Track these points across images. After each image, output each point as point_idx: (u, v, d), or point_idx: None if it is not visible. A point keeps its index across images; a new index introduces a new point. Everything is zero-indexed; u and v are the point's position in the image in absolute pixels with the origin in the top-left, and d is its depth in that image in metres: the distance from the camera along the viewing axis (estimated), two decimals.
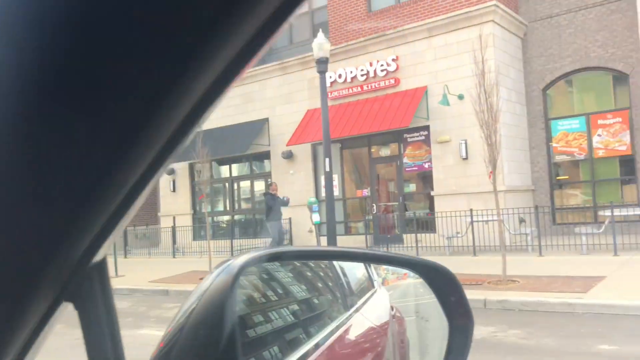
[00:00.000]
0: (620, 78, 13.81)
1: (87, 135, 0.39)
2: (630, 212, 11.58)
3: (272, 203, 12.98)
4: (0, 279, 0.43)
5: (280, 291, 1.46)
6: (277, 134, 17.56)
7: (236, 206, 19.56)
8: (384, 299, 1.87)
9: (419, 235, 13.31)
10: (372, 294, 1.86)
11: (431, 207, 14.51)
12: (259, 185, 19.01)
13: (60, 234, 0.44)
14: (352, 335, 1.58)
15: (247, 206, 19.34)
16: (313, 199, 10.30)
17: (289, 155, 17.12)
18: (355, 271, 1.89)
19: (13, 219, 0.42)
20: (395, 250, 13.81)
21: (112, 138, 0.40)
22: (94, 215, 0.44)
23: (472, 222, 12.14)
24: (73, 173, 0.41)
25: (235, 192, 19.61)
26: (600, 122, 13.98)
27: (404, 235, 14.60)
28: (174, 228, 18.19)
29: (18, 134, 0.39)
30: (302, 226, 16.61)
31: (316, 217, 10.13)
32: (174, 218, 19.39)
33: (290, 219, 17.06)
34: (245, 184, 19.43)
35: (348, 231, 16.63)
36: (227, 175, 19.71)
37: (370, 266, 1.96)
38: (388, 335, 1.73)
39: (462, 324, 1.47)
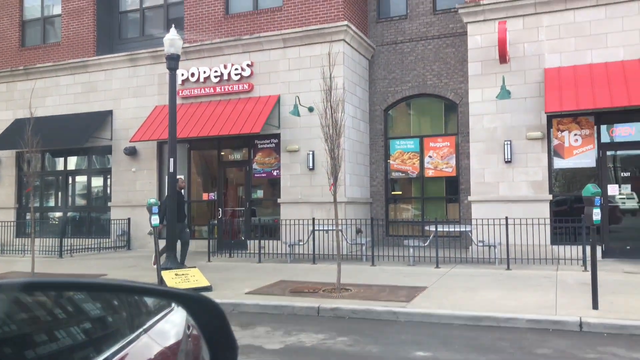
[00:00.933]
0: (450, 106, 15.32)
1: None
2: (452, 228, 12.83)
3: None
4: None
5: (71, 309, 1.37)
6: (122, 128, 16.61)
7: (70, 202, 18.07)
8: (179, 317, 1.83)
9: (263, 241, 13.43)
10: (166, 313, 1.80)
11: (278, 214, 14.74)
12: (97, 181, 17.77)
13: None
14: (135, 358, 1.51)
15: (83, 202, 17.97)
16: (153, 200, 9.82)
17: (132, 152, 16.27)
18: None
19: None
20: (238, 255, 13.79)
21: None
22: None
23: (313, 231, 12.54)
24: None
25: (70, 187, 18.12)
26: (431, 144, 15.35)
27: (249, 241, 14.65)
28: None
29: None
30: (142, 227, 15.86)
31: (155, 220, 9.68)
32: None
33: (129, 219, 16.22)
34: (81, 179, 18.04)
35: (191, 235, 16.22)
36: (62, 168, 18.14)
37: (163, 284, 1.91)
38: (178, 356, 1.68)
39: (226, 357, 1.46)
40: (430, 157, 15.35)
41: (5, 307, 1.14)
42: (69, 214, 17.97)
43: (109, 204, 16.80)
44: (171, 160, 10.52)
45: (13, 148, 16.58)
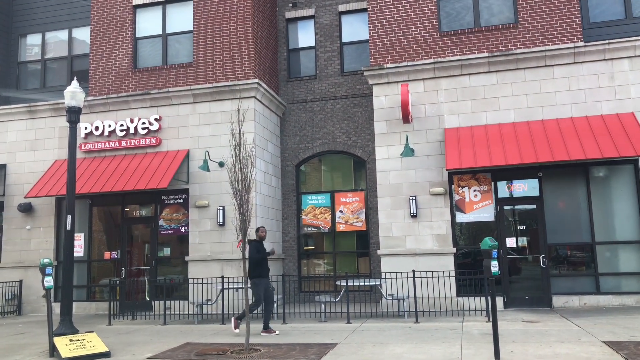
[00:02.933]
0: (359, 163, 15.76)
1: None
2: (363, 282, 12.90)
3: (258, 255, 10.22)
4: None
5: None
6: (16, 183, 15.54)
7: None
8: None
9: (169, 302, 12.80)
10: None
11: (186, 273, 14.17)
12: None
13: None
14: None
15: None
16: (47, 260, 9.10)
17: (27, 208, 15.18)
18: None
19: None
20: (142, 317, 12.99)
21: None
22: None
23: (222, 290, 12.14)
24: None
25: None
26: (342, 199, 15.62)
27: (154, 302, 13.92)
28: None
29: None
30: (36, 290, 14.68)
31: (49, 281, 8.96)
32: None
33: (21, 281, 14.97)
34: None
35: (91, 297, 15.20)
36: None
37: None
38: None
39: None
40: (341, 211, 15.57)
41: None
42: None
43: None
44: (69, 217, 9.90)
45: None
